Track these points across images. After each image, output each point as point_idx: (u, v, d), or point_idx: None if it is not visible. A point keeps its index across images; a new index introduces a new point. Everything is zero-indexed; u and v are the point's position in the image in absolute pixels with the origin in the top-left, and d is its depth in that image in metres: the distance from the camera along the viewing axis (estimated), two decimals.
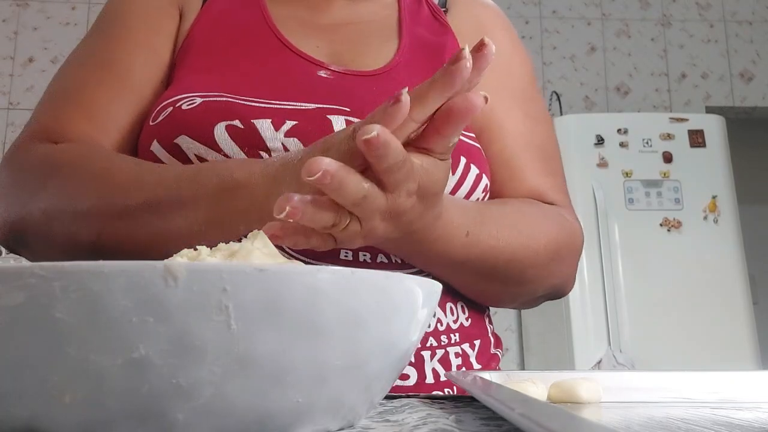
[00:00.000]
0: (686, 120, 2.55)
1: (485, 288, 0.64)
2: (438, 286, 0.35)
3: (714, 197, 2.48)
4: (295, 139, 0.58)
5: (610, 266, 2.37)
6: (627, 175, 2.47)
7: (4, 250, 2.69)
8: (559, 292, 0.69)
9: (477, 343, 0.65)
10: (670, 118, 2.55)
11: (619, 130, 2.51)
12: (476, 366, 0.63)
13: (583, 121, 2.57)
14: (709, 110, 3.13)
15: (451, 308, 0.63)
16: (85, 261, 0.26)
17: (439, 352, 0.60)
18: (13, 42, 3.02)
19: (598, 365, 2.25)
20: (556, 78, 3.21)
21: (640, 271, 2.38)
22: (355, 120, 0.59)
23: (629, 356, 2.28)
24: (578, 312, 2.35)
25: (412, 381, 0.58)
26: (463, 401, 0.44)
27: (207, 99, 0.59)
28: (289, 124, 0.59)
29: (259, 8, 0.70)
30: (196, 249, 0.35)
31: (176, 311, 0.26)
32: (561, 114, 2.99)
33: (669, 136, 2.52)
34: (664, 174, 2.48)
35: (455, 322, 0.63)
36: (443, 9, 0.77)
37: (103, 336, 0.26)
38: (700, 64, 3.30)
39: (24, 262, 0.29)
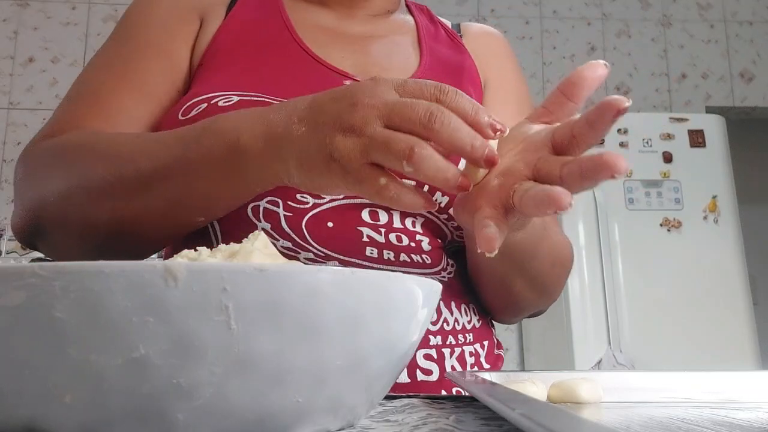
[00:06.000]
0: (686, 120, 2.55)
1: (514, 286, 0.66)
2: (438, 286, 0.35)
3: (714, 197, 2.48)
4: None
5: (610, 266, 2.37)
6: (627, 175, 2.47)
7: (3, 251, 2.68)
8: (544, 309, 0.74)
9: (486, 343, 0.67)
10: (670, 118, 2.55)
11: (619, 130, 2.51)
12: (485, 365, 0.66)
13: None
14: (709, 110, 3.13)
15: (465, 309, 0.66)
16: (86, 261, 0.26)
17: (457, 350, 0.63)
18: (13, 42, 3.01)
19: (598, 365, 2.24)
20: (556, 78, 3.21)
21: (640, 271, 2.38)
22: None
23: (629, 356, 2.27)
24: (578, 312, 2.35)
25: (434, 377, 0.61)
26: (463, 401, 0.44)
27: (243, 98, 0.62)
28: None
29: (282, 19, 0.72)
30: (196, 250, 0.35)
31: (176, 311, 0.26)
32: None
33: (669, 136, 2.52)
34: (664, 174, 2.48)
35: (469, 322, 0.66)
36: (458, 34, 0.82)
37: (104, 336, 0.26)
38: (701, 65, 3.30)
39: (24, 262, 0.29)
